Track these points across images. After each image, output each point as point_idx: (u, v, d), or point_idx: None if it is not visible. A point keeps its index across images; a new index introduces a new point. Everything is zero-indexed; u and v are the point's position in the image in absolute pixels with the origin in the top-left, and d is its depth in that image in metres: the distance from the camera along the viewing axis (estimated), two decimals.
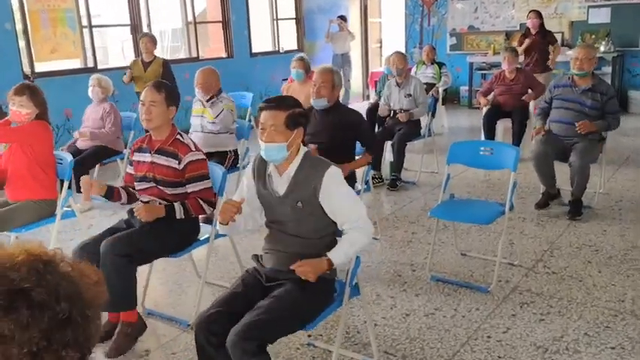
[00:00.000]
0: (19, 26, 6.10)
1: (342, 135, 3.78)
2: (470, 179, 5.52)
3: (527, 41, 7.21)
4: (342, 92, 10.20)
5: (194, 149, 2.95)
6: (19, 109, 3.48)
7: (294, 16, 10.02)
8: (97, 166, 5.60)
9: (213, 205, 2.97)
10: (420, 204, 5.04)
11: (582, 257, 3.76)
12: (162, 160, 2.96)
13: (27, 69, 6.22)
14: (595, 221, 4.38)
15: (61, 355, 0.93)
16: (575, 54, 4.41)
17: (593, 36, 8.84)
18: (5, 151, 3.66)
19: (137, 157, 3.07)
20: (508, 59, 6.12)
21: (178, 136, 2.98)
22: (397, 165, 5.47)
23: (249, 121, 7.00)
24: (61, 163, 3.73)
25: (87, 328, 0.96)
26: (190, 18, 8.18)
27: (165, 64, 6.49)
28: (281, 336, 2.26)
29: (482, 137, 6.43)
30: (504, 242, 3.90)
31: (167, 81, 6.28)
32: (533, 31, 7.31)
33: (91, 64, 6.84)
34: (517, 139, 6.14)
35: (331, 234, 2.40)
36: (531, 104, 6.42)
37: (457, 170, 5.27)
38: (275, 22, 9.67)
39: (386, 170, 5.71)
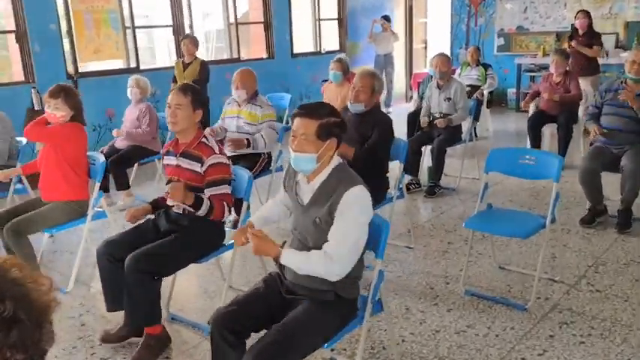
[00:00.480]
0: (63, 27, 6.21)
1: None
2: (513, 187, 5.28)
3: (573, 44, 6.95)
4: (384, 94, 10.13)
5: (217, 152, 2.90)
6: (55, 112, 3.50)
7: (337, 17, 9.91)
8: (135, 165, 5.66)
9: (230, 211, 2.92)
10: (458, 212, 4.85)
11: (630, 275, 3.52)
12: (186, 163, 2.92)
13: (71, 69, 6.32)
14: None
15: (6, 356, 0.95)
16: (632, 56, 4.14)
17: None
18: (42, 149, 3.70)
19: (166, 160, 3.06)
20: (556, 62, 5.85)
21: (204, 139, 2.93)
22: (436, 172, 5.29)
23: (287, 123, 6.95)
24: (94, 164, 3.75)
25: (35, 332, 0.98)
26: (232, 19, 8.18)
27: (203, 64, 6.49)
28: (299, 359, 2.15)
29: (528, 143, 6.18)
30: (545, 257, 3.72)
31: (200, 81, 6.39)
32: (580, 32, 7.03)
33: (133, 65, 6.91)
34: (563, 144, 5.87)
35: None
36: (580, 109, 6.12)
37: (499, 177, 5.05)
38: (317, 22, 9.58)
39: (424, 176, 5.54)
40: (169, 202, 2.82)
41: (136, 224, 3.06)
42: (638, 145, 4.11)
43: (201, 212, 2.81)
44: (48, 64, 6.08)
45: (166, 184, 3.04)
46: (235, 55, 8.27)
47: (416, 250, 4.06)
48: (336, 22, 9.94)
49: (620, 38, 8.70)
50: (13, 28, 5.93)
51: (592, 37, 6.99)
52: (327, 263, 2.08)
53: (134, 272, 2.66)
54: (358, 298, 2.33)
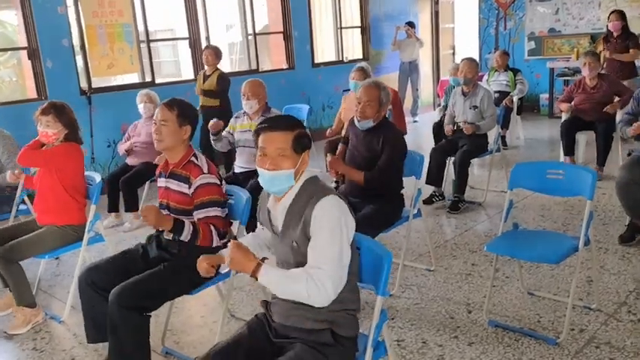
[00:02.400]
0: (76, 42, 6.11)
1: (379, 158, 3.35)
2: (544, 201, 4.89)
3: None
4: (409, 102, 9.80)
5: (207, 172, 2.65)
6: (46, 130, 3.33)
7: (360, 25, 9.65)
8: (147, 183, 5.48)
9: (222, 235, 2.65)
10: (484, 229, 4.50)
11: None
12: (174, 185, 2.69)
13: (84, 85, 6.21)
14: None
15: None
16: None
17: None
18: (38, 170, 3.53)
19: (158, 182, 2.83)
20: (589, 65, 5.45)
21: (193, 158, 2.69)
22: (459, 185, 4.95)
23: None
24: (91, 185, 3.55)
25: None
26: (250, 30, 8.00)
27: (220, 76, 6.29)
28: None
29: (561, 150, 5.78)
30: (579, 281, 3.36)
31: (218, 93, 6.19)
32: (615, 34, 6.62)
33: (148, 79, 6.77)
34: (602, 154, 5.45)
35: (347, 280, 1.92)
36: (619, 114, 5.69)
37: (529, 190, 4.69)
38: (339, 30, 9.33)
39: (448, 188, 5.21)
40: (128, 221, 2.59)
41: (125, 249, 2.83)
42: None
43: (183, 238, 2.56)
44: (60, 80, 5.98)
45: (160, 207, 2.81)
46: (254, 67, 8.07)
47: (436, 273, 3.73)
48: (359, 30, 9.68)
49: None
50: (25, 44, 5.84)
51: (627, 38, 6.59)
52: (310, 284, 1.79)
53: (118, 308, 2.42)
54: (359, 336, 2.03)
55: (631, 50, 6.52)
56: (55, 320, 3.43)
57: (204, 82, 6.31)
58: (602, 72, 5.63)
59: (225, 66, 12.26)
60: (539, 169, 3.07)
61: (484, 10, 9.93)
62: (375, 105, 3.33)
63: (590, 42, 8.73)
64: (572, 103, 5.71)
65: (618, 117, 5.64)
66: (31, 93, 6.05)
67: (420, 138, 8.13)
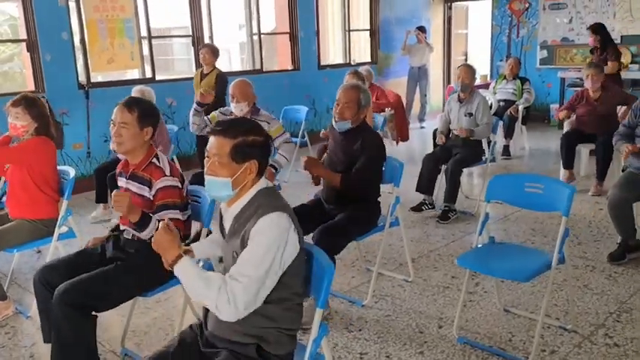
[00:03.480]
0: (76, 36, 6.11)
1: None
2: (538, 215, 4.72)
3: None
4: (417, 108, 9.68)
5: (168, 174, 2.58)
6: (15, 122, 3.31)
7: (369, 27, 9.55)
8: None
9: (183, 239, 2.57)
10: (471, 240, 4.37)
11: None
12: (135, 187, 2.62)
13: (82, 79, 6.21)
14: None
15: None
16: None
17: None
18: (10, 166, 3.50)
19: (119, 182, 2.76)
20: (592, 76, 5.29)
21: (154, 159, 2.62)
22: (450, 194, 4.83)
23: (303, 137, 6.64)
24: (65, 180, 3.51)
25: None
26: (255, 30, 7.95)
27: (219, 76, 6.24)
28: None
29: (562, 160, 5.63)
30: (559, 299, 3.24)
31: (218, 94, 6.13)
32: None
33: (149, 75, 6.76)
34: (601, 168, 5.29)
35: (284, 299, 1.85)
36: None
37: None
38: (347, 33, 9.25)
39: (440, 198, 5.08)
40: (115, 217, 2.52)
41: (81, 249, 2.79)
42: None
43: (147, 234, 2.49)
44: (59, 73, 5.98)
45: None
46: (258, 67, 8.02)
47: (414, 284, 3.62)
48: (368, 32, 9.59)
49: None
50: (25, 36, 5.86)
51: (604, 51, 6.66)
52: (221, 295, 1.71)
53: (62, 306, 2.35)
54: (294, 353, 1.94)
55: (609, 63, 6.46)
56: (23, 315, 3.39)
57: (201, 80, 6.27)
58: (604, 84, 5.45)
59: (236, 65, 12.24)
60: (518, 182, 2.96)
61: (497, 17, 9.76)
62: (354, 107, 3.25)
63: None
64: (574, 115, 5.56)
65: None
66: (30, 85, 6.06)
67: (424, 144, 8.00)
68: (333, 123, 3.38)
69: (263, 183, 1.92)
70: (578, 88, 8.48)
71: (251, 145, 1.86)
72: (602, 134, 5.20)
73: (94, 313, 2.46)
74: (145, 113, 2.58)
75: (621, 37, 8.37)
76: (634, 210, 3.75)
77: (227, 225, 1.93)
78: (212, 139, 1.88)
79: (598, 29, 6.76)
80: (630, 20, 8.31)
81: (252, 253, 1.75)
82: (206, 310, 2.00)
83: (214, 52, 6.33)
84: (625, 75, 8.10)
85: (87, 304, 2.40)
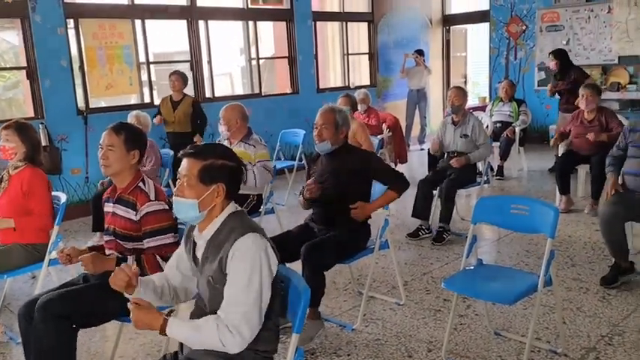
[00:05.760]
0: (75, 63, 6.20)
1: (349, 181, 3.29)
2: (533, 236, 4.68)
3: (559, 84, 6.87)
4: (417, 130, 9.71)
5: (154, 198, 2.60)
6: (4, 144, 3.38)
7: (368, 51, 9.64)
8: None
9: None
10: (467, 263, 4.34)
11: None
12: (121, 210, 2.64)
13: (81, 105, 6.29)
14: None
15: None
16: None
17: None
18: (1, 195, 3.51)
19: (105, 207, 2.79)
20: (587, 97, 5.29)
21: (140, 184, 2.64)
22: (445, 215, 4.82)
23: (300, 160, 6.67)
24: (57, 205, 3.53)
25: None
26: (254, 54, 8.05)
27: (195, 103, 6.30)
28: None
29: (557, 189, 5.60)
30: (551, 322, 3.21)
31: (199, 122, 6.20)
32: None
33: (147, 100, 6.83)
34: (596, 188, 5.26)
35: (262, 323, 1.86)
36: None
37: None
38: (345, 57, 9.34)
39: (436, 220, 5.07)
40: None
41: (67, 280, 2.78)
42: None
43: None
44: (58, 100, 6.06)
45: (104, 233, 2.78)
46: (257, 91, 8.10)
47: (405, 308, 3.60)
48: (367, 56, 9.68)
49: None
50: (25, 64, 5.96)
51: (565, 75, 6.78)
52: (222, 331, 1.75)
53: (43, 314, 2.36)
54: None
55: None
56: (14, 341, 3.39)
57: (174, 108, 6.28)
58: (601, 106, 5.45)
59: (238, 89, 12.37)
60: (504, 204, 2.95)
61: (495, 40, 9.83)
62: (331, 127, 3.31)
63: (602, 73, 8.55)
64: (570, 136, 5.56)
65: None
66: (30, 111, 6.14)
67: (424, 166, 7.96)
68: (316, 147, 3.41)
69: (232, 207, 1.94)
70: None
71: (220, 168, 1.89)
72: (597, 154, 5.18)
73: (74, 326, 2.46)
74: (132, 137, 2.63)
75: (619, 57, 8.40)
76: (627, 230, 3.72)
77: (200, 252, 1.94)
78: (184, 161, 1.92)
79: (558, 54, 6.89)
80: (627, 41, 8.34)
81: (237, 282, 1.78)
82: None
83: (184, 79, 6.37)
84: (623, 95, 8.14)
85: (69, 316, 2.41)
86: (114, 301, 2.50)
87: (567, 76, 6.75)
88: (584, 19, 8.73)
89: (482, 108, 8.19)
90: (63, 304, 2.41)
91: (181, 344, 1.98)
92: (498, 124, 7.19)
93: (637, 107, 8.01)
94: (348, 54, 9.38)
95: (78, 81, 6.27)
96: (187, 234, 2.07)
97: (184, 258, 2.08)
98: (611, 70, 8.49)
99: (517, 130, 7.08)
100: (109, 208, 2.74)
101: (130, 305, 1.83)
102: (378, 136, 6.61)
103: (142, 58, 6.76)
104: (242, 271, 1.77)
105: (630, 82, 8.28)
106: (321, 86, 8.92)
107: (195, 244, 2.00)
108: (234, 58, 10.35)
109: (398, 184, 3.40)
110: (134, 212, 2.59)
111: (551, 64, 6.93)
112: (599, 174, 5.18)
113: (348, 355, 3.05)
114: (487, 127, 6.99)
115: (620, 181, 3.79)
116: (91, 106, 6.41)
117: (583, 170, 5.76)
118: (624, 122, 5.19)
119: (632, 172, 3.73)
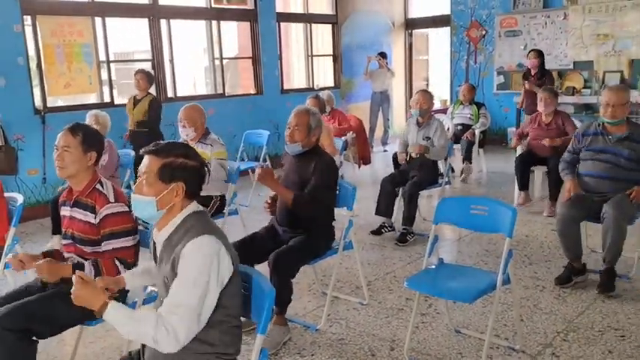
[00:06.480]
0: (32, 61, 6.04)
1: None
2: (493, 235, 4.79)
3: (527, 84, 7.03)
4: (380, 132, 9.81)
5: (113, 201, 2.56)
6: None
7: (332, 53, 9.70)
8: None
9: (130, 266, 2.55)
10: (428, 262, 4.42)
11: (603, 344, 3.05)
12: (79, 214, 2.59)
13: (39, 104, 6.13)
14: (629, 296, 3.63)
15: None
16: (606, 99, 3.72)
17: None
18: None
19: (62, 211, 2.73)
20: (545, 100, 5.46)
21: (98, 185, 2.60)
22: (408, 217, 4.89)
23: (265, 161, 6.66)
24: (14, 207, 3.44)
25: None
26: (217, 54, 8.00)
27: (153, 101, 6.18)
28: None
29: (516, 186, 5.76)
30: (509, 320, 3.30)
31: (152, 121, 6.10)
32: (532, 72, 6.97)
33: (107, 99, 6.71)
34: (554, 189, 5.43)
35: (221, 321, 1.86)
36: None
37: None
38: (309, 58, 9.38)
39: (399, 220, 5.14)
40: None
41: (25, 284, 2.71)
42: (621, 193, 3.68)
43: (87, 271, 2.46)
44: (14, 98, 5.90)
45: (63, 237, 2.72)
46: (220, 91, 8.05)
47: (368, 307, 3.64)
48: (331, 58, 9.73)
49: (625, 76, 8.29)
50: None
51: (543, 75, 6.91)
52: (159, 328, 1.70)
53: (1, 330, 2.29)
54: None
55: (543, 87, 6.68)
56: None
57: (134, 106, 6.20)
58: (557, 109, 5.62)
59: (201, 89, 12.26)
60: (464, 205, 3.02)
61: (456, 44, 10.02)
62: (304, 130, 3.30)
63: (558, 78, 8.80)
64: (528, 138, 5.72)
65: None
66: None
67: (387, 168, 8.05)
68: (286, 147, 3.42)
69: (193, 207, 1.93)
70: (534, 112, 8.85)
71: (180, 166, 1.88)
72: (554, 156, 5.34)
73: (34, 338, 2.40)
74: (89, 138, 2.59)
75: (574, 63, 8.68)
76: (581, 229, 3.85)
77: (158, 251, 1.93)
78: (145, 158, 1.91)
79: (541, 54, 7.02)
80: (582, 47, 8.62)
81: (182, 282, 1.75)
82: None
83: (149, 78, 6.27)
84: (578, 100, 8.40)
85: (28, 329, 2.35)
86: (74, 308, 2.46)
87: (542, 77, 6.87)
88: (541, 25, 8.99)
89: (444, 111, 8.33)
90: (21, 318, 2.33)
91: (143, 346, 1.95)
92: (459, 127, 7.33)
93: (591, 111, 8.28)
94: (312, 55, 9.42)
95: (35, 80, 6.10)
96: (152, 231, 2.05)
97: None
98: (567, 75, 8.76)
99: (477, 132, 7.24)
100: (65, 211, 2.68)
101: (73, 277, 1.77)
102: (343, 138, 6.66)
103: (102, 57, 6.64)
104: (189, 271, 1.75)
105: (585, 87, 8.56)
106: (285, 87, 8.92)
107: (154, 243, 1.98)
108: (197, 58, 10.26)
109: (305, 198, 3.21)
110: (93, 215, 2.55)
111: (532, 62, 6.96)
112: (555, 177, 5.34)
113: (312, 355, 3.07)
114: (448, 129, 7.13)
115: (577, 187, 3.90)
116: (49, 105, 6.26)
117: (540, 171, 5.94)
118: (578, 126, 5.36)
119: (587, 174, 3.86)
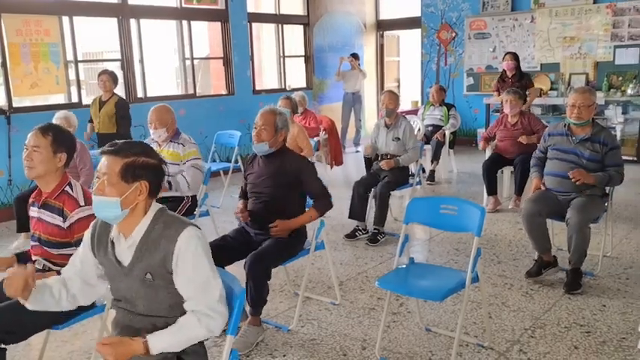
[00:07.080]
0: None
1: (284, 184, 3.30)
2: (462, 235, 4.88)
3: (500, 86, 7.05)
4: (352, 133, 9.85)
5: (83, 204, 2.52)
6: None
7: (304, 54, 9.71)
8: None
9: None
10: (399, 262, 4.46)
11: (569, 340, 3.12)
12: (46, 216, 2.55)
13: (3, 104, 5.99)
14: (594, 293, 3.72)
15: None
16: (572, 100, 3.82)
17: (620, 78, 8.18)
18: None
19: (31, 212, 2.68)
20: (510, 102, 5.57)
21: (67, 188, 2.56)
22: (379, 217, 4.92)
23: (236, 162, 6.63)
24: None
25: None
26: (188, 54, 7.93)
27: (119, 102, 6.08)
28: None
29: (485, 187, 5.85)
30: (478, 317, 3.35)
31: (121, 122, 6.01)
32: (509, 74, 6.96)
33: (75, 100, 6.60)
34: (519, 184, 5.57)
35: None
36: None
37: None
38: (282, 59, 9.37)
39: (371, 221, 5.17)
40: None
41: None
42: (584, 195, 3.78)
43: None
44: None
45: (31, 239, 2.67)
46: (191, 91, 7.98)
47: (340, 307, 3.65)
48: (303, 59, 9.74)
49: (590, 79, 8.49)
50: None
51: (521, 78, 6.91)
52: (205, 321, 1.82)
53: None
54: None
55: (529, 90, 6.75)
56: None
57: (100, 108, 6.09)
58: (523, 111, 5.74)
59: (172, 90, 12.15)
60: (434, 205, 3.06)
61: (426, 46, 10.13)
62: (271, 129, 3.31)
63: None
64: (495, 140, 5.82)
65: None
66: None
67: (359, 168, 8.10)
68: (253, 147, 3.41)
69: (156, 205, 1.94)
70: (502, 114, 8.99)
71: (142, 166, 1.87)
72: (520, 158, 5.46)
73: (2, 346, 2.35)
74: (60, 139, 2.54)
75: (541, 65, 8.86)
76: (549, 227, 3.94)
77: (126, 254, 1.90)
78: (103, 158, 1.88)
79: (517, 57, 7.02)
80: (549, 49, 8.81)
81: (202, 274, 1.85)
82: None
83: (114, 79, 6.18)
84: (544, 101, 8.57)
85: None
86: (41, 313, 2.41)
87: (521, 79, 6.87)
88: (509, 28, 9.15)
89: (415, 112, 8.42)
90: None
91: None
92: (430, 128, 7.41)
93: (557, 112, 8.46)
94: (284, 56, 9.41)
95: (0, 79, 5.96)
96: (98, 237, 2.01)
97: (89, 263, 2.02)
98: (534, 77, 8.92)
99: (447, 133, 7.32)
100: (34, 212, 2.64)
101: (99, 348, 1.74)
102: (315, 138, 6.68)
103: (70, 57, 6.52)
104: (200, 261, 1.85)
105: (551, 89, 8.75)
106: (257, 88, 8.90)
107: (113, 245, 1.95)
108: (167, 58, 10.17)
109: (322, 202, 3.37)
110: (61, 218, 2.51)
111: (509, 64, 6.88)
112: (521, 172, 5.48)
113: (284, 355, 3.07)
114: (419, 130, 7.20)
115: (543, 181, 4.00)
116: (15, 105, 6.11)
117: (507, 171, 6.05)
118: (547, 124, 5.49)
119: (551, 173, 3.95)
